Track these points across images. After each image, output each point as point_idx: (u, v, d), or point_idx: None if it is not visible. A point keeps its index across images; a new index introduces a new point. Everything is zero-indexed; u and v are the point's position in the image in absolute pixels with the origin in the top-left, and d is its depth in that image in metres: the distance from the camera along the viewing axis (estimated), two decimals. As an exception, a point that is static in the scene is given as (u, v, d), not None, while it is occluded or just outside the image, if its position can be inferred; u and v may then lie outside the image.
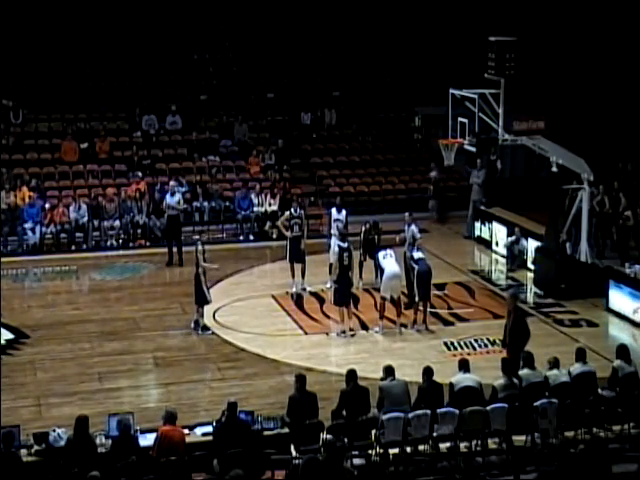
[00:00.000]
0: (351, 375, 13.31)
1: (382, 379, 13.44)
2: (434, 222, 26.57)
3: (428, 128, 31.38)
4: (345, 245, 18.39)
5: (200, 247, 18.40)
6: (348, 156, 29.52)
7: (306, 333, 18.51)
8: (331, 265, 20.78)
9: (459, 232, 26.10)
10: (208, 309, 19.63)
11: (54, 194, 25.72)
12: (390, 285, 18.21)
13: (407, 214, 20.38)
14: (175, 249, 22.77)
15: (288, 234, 20.87)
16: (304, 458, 10.89)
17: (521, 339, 14.87)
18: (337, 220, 21.01)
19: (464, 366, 13.60)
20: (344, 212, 21.23)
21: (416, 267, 18.46)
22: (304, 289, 20.79)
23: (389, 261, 18.49)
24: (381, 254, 18.81)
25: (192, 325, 18.38)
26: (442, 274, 21.35)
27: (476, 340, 17.94)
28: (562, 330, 18.73)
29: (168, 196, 23.15)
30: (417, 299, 18.53)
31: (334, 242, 20.68)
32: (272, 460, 12.14)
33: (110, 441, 12.14)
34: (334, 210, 21.31)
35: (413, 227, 19.87)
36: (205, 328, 18.35)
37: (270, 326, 18.86)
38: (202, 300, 18.34)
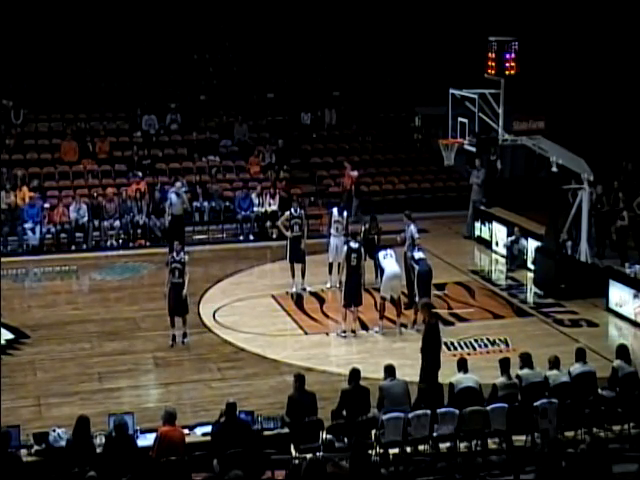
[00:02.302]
0: (354, 374, 13.31)
1: (385, 379, 13.47)
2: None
3: (428, 128, 31.39)
4: (355, 246, 18.34)
5: (187, 258, 17.89)
6: (348, 156, 29.50)
7: (306, 333, 18.51)
8: (330, 265, 20.83)
9: (459, 232, 26.09)
10: (208, 309, 19.68)
11: (54, 194, 25.72)
12: (390, 285, 18.21)
13: (404, 215, 20.37)
14: None
15: (288, 234, 20.87)
16: (307, 460, 10.88)
17: (433, 347, 14.68)
18: (337, 221, 20.98)
19: (463, 366, 13.61)
20: (345, 214, 21.20)
21: (416, 267, 18.47)
22: (304, 289, 20.79)
23: (389, 261, 18.49)
24: (381, 254, 18.81)
25: (185, 340, 17.78)
26: (442, 274, 21.35)
27: (476, 340, 17.95)
28: (562, 330, 18.73)
29: (174, 196, 23.20)
30: (417, 299, 18.53)
31: (333, 242, 20.74)
32: (272, 460, 12.14)
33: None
34: (335, 211, 21.28)
35: (412, 227, 19.87)
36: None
37: (270, 326, 18.85)
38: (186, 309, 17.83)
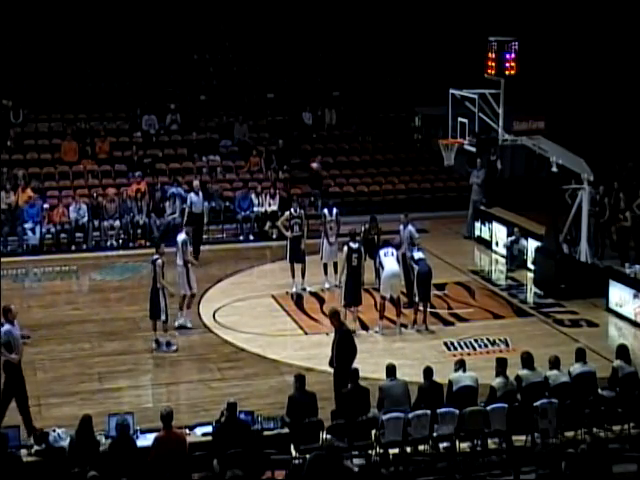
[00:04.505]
0: (353, 375, 13.34)
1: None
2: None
3: (428, 128, 31.38)
4: (355, 246, 18.33)
5: (160, 262, 17.41)
6: (348, 156, 29.52)
7: (306, 333, 18.50)
8: (325, 266, 20.83)
9: (459, 232, 26.10)
10: (208, 309, 19.68)
11: (54, 194, 25.72)
12: (389, 284, 18.19)
13: (402, 215, 20.38)
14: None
15: (288, 234, 20.87)
16: (310, 455, 10.87)
17: (347, 356, 14.28)
18: (330, 222, 20.98)
19: (461, 367, 13.63)
20: (335, 211, 21.21)
21: (416, 267, 18.46)
22: (304, 289, 20.79)
23: (390, 260, 18.43)
24: (382, 252, 18.65)
25: (154, 346, 17.43)
26: (442, 274, 21.35)
27: (476, 340, 17.95)
28: (562, 330, 18.73)
29: (193, 195, 23.41)
30: (417, 299, 18.54)
31: (327, 243, 20.74)
32: (272, 460, 12.14)
33: (109, 441, 12.13)
34: (326, 211, 21.27)
35: (410, 227, 19.87)
36: (169, 344, 17.54)
37: (270, 326, 18.85)
38: (157, 314, 17.44)
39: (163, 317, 17.42)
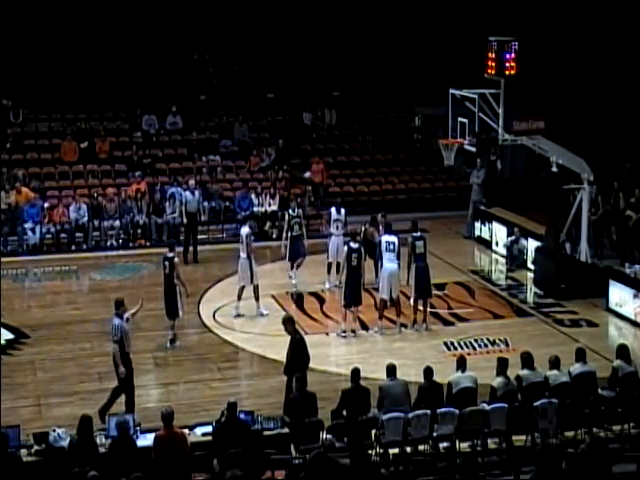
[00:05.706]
0: (354, 374, 13.36)
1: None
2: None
3: (428, 128, 31.39)
4: (355, 246, 18.28)
5: (177, 260, 17.63)
6: (348, 156, 29.53)
7: (306, 333, 18.37)
8: (329, 265, 20.82)
9: (459, 232, 26.10)
10: (208, 309, 19.68)
11: (54, 194, 25.73)
12: (388, 283, 18.18)
13: (380, 215, 20.34)
14: (191, 248, 23.21)
15: (285, 241, 20.80)
16: (311, 453, 10.85)
17: (300, 364, 14.16)
18: (337, 220, 21.01)
19: (462, 365, 13.63)
20: (343, 211, 21.23)
21: (414, 264, 18.42)
22: (294, 283, 20.68)
23: (389, 256, 18.35)
24: (384, 242, 18.48)
25: (169, 345, 17.66)
26: (442, 274, 21.36)
27: (476, 340, 17.95)
28: (562, 330, 18.73)
29: (189, 194, 23.46)
30: (415, 296, 18.51)
31: (333, 241, 20.75)
32: (272, 460, 12.15)
33: (109, 441, 12.14)
34: (333, 210, 21.30)
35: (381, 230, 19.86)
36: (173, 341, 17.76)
37: (270, 326, 18.83)
38: (174, 313, 17.61)
39: (181, 313, 17.60)
